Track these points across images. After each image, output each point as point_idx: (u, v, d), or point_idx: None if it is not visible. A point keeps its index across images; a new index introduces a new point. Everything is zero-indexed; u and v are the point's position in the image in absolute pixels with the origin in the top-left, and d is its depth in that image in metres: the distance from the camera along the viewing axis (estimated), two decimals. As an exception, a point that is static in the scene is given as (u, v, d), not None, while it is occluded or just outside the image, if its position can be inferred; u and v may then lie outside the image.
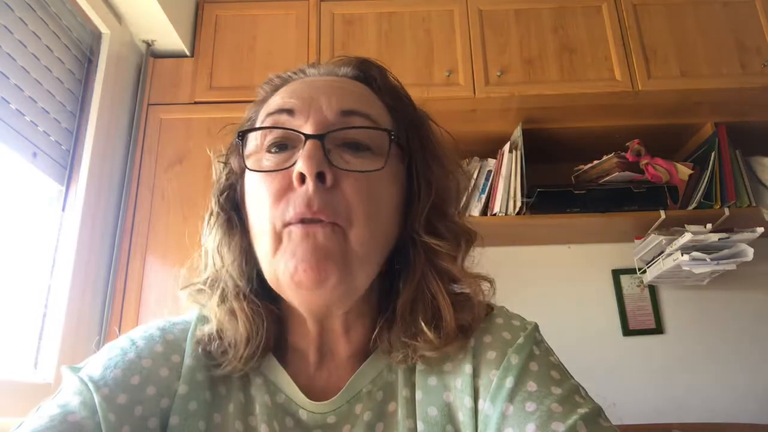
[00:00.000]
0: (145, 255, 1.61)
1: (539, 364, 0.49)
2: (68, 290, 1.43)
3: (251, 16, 1.90)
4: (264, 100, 0.56)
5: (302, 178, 0.46)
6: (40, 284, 1.42)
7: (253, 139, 0.52)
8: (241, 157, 0.51)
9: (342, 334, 0.53)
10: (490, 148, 1.84)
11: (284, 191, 0.47)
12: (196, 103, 1.79)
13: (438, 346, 0.49)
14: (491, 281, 0.55)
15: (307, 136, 0.47)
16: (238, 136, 0.52)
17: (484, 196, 1.76)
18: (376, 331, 0.52)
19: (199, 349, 0.51)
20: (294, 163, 0.47)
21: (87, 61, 1.64)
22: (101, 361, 0.49)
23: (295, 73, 0.58)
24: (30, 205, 1.43)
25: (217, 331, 0.51)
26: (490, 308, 0.55)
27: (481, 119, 1.85)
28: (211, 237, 0.54)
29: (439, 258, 0.52)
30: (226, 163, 0.56)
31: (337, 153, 0.48)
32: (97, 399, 0.45)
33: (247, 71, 1.82)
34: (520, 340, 0.51)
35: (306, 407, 0.51)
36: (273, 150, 0.50)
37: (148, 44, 1.83)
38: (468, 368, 0.50)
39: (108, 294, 1.58)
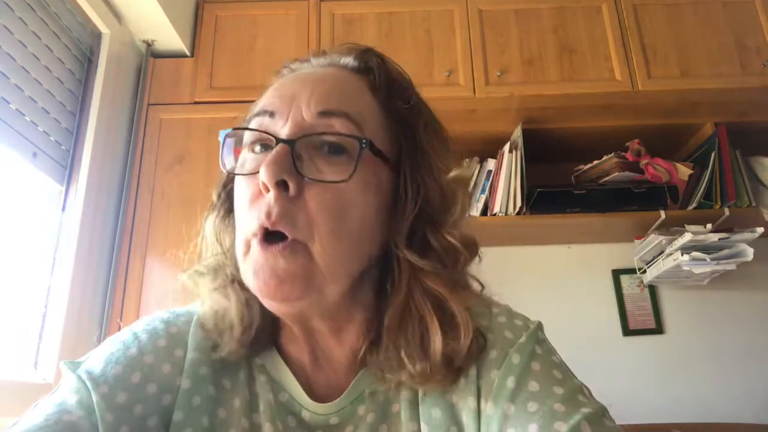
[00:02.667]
0: (145, 255, 1.61)
1: (541, 363, 0.48)
2: (68, 290, 1.43)
3: (251, 16, 1.90)
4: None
5: (266, 186, 0.44)
6: (40, 284, 1.42)
7: (245, 133, 0.51)
8: (221, 158, 0.51)
9: (331, 336, 0.51)
10: (490, 148, 1.84)
11: (256, 197, 0.46)
12: (196, 103, 1.79)
13: (421, 382, 0.47)
14: (489, 302, 0.53)
15: (278, 141, 0.46)
16: (222, 136, 0.51)
17: (484, 196, 1.76)
18: (364, 347, 0.50)
19: (199, 332, 0.51)
20: None
21: (87, 61, 1.64)
22: (102, 356, 0.48)
23: (301, 62, 0.57)
24: (30, 205, 1.43)
25: (213, 314, 0.51)
26: (483, 338, 0.50)
27: (481, 119, 1.85)
28: (209, 224, 0.54)
29: (426, 277, 0.48)
30: None
31: (311, 159, 0.46)
32: (95, 398, 0.44)
33: (247, 71, 1.82)
34: (522, 339, 0.50)
35: (309, 408, 0.50)
36: (256, 149, 0.49)
37: (148, 44, 1.83)
38: (473, 369, 0.49)
39: (108, 294, 1.58)
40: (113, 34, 1.69)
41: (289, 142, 0.46)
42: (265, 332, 0.52)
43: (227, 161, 0.51)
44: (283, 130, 0.47)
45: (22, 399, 1.19)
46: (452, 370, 0.47)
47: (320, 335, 0.52)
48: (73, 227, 1.48)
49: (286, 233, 0.44)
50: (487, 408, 0.47)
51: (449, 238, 0.50)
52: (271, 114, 0.49)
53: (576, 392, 0.46)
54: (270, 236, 0.45)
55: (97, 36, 1.67)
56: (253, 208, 0.46)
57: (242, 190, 0.48)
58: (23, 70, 1.34)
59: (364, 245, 0.48)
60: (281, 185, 0.44)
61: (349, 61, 0.54)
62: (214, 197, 0.55)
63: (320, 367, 0.53)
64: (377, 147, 0.48)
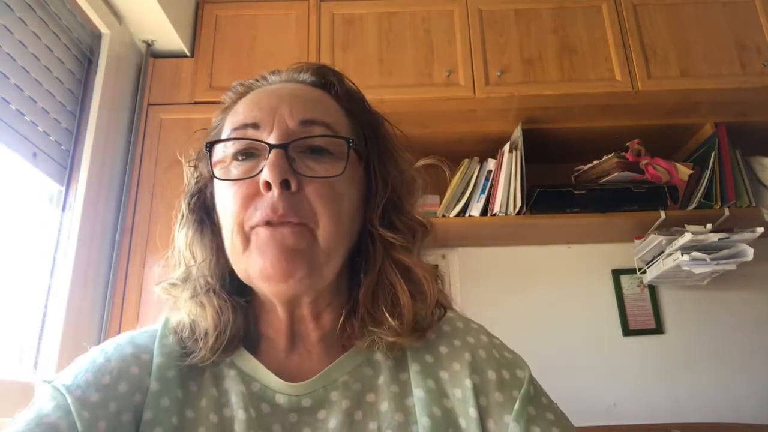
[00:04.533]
0: (145, 255, 1.61)
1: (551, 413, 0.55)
2: (68, 290, 1.43)
3: (251, 16, 1.90)
4: (228, 108, 0.59)
5: (268, 186, 0.50)
6: (40, 284, 1.42)
7: (221, 149, 0.55)
8: (210, 166, 0.55)
9: (311, 320, 0.56)
10: (490, 148, 1.84)
11: (252, 197, 0.51)
12: (196, 103, 1.79)
13: (400, 333, 0.53)
14: (440, 275, 0.59)
15: (271, 146, 0.51)
16: (206, 146, 0.55)
17: (484, 196, 1.75)
18: (342, 318, 0.56)
19: (171, 338, 0.55)
20: (260, 172, 0.51)
21: (87, 61, 1.64)
22: (72, 371, 0.52)
23: (257, 80, 0.61)
24: (30, 205, 1.43)
25: (189, 323, 0.55)
26: (443, 308, 0.59)
27: (481, 119, 1.85)
28: (182, 236, 0.58)
29: (396, 250, 0.56)
30: (195, 168, 0.60)
31: (301, 160, 0.52)
32: (69, 400, 0.47)
33: (247, 71, 1.79)
34: (525, 388, 0.55)
35: (280, 390, 0.53)
36: (240, 158, 0.54)
37: (148, 44, 1.83)
38: (468, 382, 0.54)
39: (108, 294, 1.58)
40: (113, 34, 1.69)
41: (283, 146, 0.51)
42: (237, 336, 0.55)
43: (217, 171, 0.54)
44: (271, 137, 0.52)
45: (22, 399, 1.19)
46: (419, 330, 0.55)
47: (302, 321, 0.56)
48: (73, 227, 1.48)
49: (294, 221, 0.50)
50: (512, 427, 0.52)
51: (411, 219, 0.59)
52: (255, 125, 0.54)
53: None
54: (274, 224, 0.50)
55: (97, 36, 1.67)
56: (250, 208, 0.51)
57: (232, 194, 0.52)
58: (23, 70, 1.34)
59: (351, 228, 0.56)
60: (284, 184, 0.50)
61: (307, 77, 0.60)
62: (185, 209, 0.59)
63: (296, 351, 0.57)
64: (359, 145, 0.57)
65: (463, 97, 1.77)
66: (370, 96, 0.65)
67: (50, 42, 1.46)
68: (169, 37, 1.80)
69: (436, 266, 0.60)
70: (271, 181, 0.49)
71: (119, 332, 1.53)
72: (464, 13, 1.86)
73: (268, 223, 0.50)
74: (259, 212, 0.50)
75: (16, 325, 1.34)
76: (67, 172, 1.52)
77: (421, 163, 0.64)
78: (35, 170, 1.38)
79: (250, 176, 0.52)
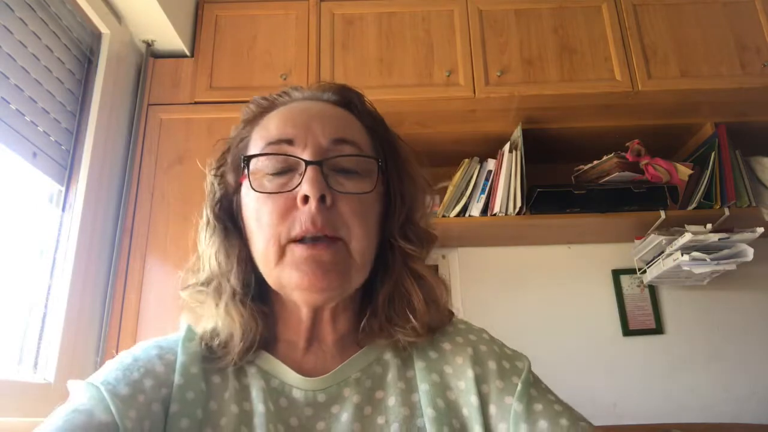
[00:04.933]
0: (145, 255, 1.61)
1: (543, 404, 0.56)
2: (68, 290, 1.43)
3: (251, 16, 1.90)
4: (252, 121, 0.63)
5: (306, 200, 0.53)
6: (40, 284, 1.42)
7: (253, 162, 0.58)
8: (248, 179, 0.57)
9: (329, 323, 0.60)
10: (490, 148, 1.84)
11: (288, 210, 0.54)
12: (196, 103, 1.79)
13: (420, 334, 0.58)
14: (446, 282, 0.64)
15: (308, 163, 0.55)
16: (244, 160, 0.58)
17: (484, 196, 1.75)
18: (364, 320, 0.60)
19: (203, 344, 0.58)
20: (296, 186, 0.54)
21: (87, 61, 1.64)
22: (102, 371, 0.54)
23: (280, 96, 0.64)
24: (30, 205, 1.43)
25: (215, 329, 0.58)
26: (450, 312, 0.64)
27: (481, 119, 1.85)
28: (208, 244, 0.60)
29: (412, 260, 0.61)
30: (221, 176, 0.62)
31: (333, 177, 0.56)
32: (103, 390, 0.50)
33: (247, 71, 1.82)
34: (525, 374, 0.58)
35: (298, 385, 0.56)
36: (273, 172, 0.57)
37: (148, 44, 1.83)
38: (470, 372, 0.57)
39: (108, 294, 1.58)
40: (113, 34, 1.69)
41: (319, 163, 0.55)
42: (259, 339, 0.58)
43: (254, 184, 0.57)
44: (306, 154, 0.56)
45: (22, 399, 1.19)
46: (431, 332, 0.60)
47: (321, 323, 0.60)
48: (73, 227, 1.48)
49: (330, 235, 0.54)
50: (514, 405, 0.55)
51: (421, 230, 0.63)
52: (289, 141, 0.57)
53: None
54: (308, 240, 0.53)
55: (97, 36, 1.67)
56: (286, 220, 0.54)
57: (268, 206, 0.56)
58: (23, 70, 1.34)
59: (375, 239, 0.60)
60: (321, 198, 0.53)
61: (331, 96, 0.63)
62: (210, 215, 0.61)
63: (312, 351, 0.60)
64: (382, 163, 0.60)
65: (463, 97, 1.77)
66: (370, 96, 0.65)
67: (50, 42, 1.46)
68: (169, 37, 1.80)
69: (436, 267, 0.62)
70: (310, 195, 0.53)
71: (119, 332, 1.54)
72: (464, 13, 1.86)
73: (304, 240, 0.53)
74: (298, 225, 0.53)
75: (16, 325, 1.34)
76: (67, 172, 1.52)
77: (439, 186, 0.69)
78: (35, 170, 1.38)
79: (287, 190, 0.55)
